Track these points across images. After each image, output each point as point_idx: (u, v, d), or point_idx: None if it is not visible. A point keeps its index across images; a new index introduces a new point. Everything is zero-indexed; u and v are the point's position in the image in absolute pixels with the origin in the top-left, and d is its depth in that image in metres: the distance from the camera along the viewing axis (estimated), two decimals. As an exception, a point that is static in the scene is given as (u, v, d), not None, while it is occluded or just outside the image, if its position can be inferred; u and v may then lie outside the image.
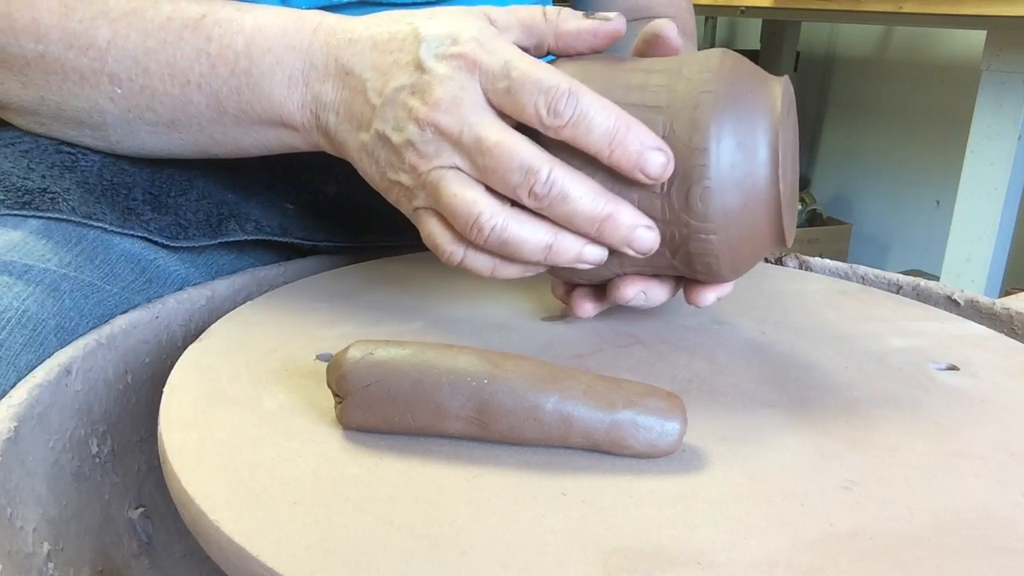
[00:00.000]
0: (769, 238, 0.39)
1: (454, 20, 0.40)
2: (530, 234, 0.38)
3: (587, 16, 0.41)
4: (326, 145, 0.45)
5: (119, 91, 0.45)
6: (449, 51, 0.39)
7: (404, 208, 0.42)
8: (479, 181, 0.39)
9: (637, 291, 0.42)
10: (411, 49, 0.40)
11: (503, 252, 0.39)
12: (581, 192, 0.37)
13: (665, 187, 0.38)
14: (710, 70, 0.38)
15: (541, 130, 0.38)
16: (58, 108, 0.47)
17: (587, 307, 0.45)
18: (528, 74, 0.37)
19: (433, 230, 0.41)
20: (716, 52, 0.40)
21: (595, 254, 0.39)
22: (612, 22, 0.41)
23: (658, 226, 0.39)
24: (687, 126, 0.37)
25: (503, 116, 0.39)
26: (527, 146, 0.37)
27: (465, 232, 0.39)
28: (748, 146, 0.37)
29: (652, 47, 0.42)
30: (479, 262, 0.41)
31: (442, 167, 0.39)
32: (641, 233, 0.38)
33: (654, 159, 0.36)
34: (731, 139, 0.37)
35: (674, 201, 0.38)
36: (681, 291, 0.43)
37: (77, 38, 0.44)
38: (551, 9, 0.42)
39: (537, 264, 0.40)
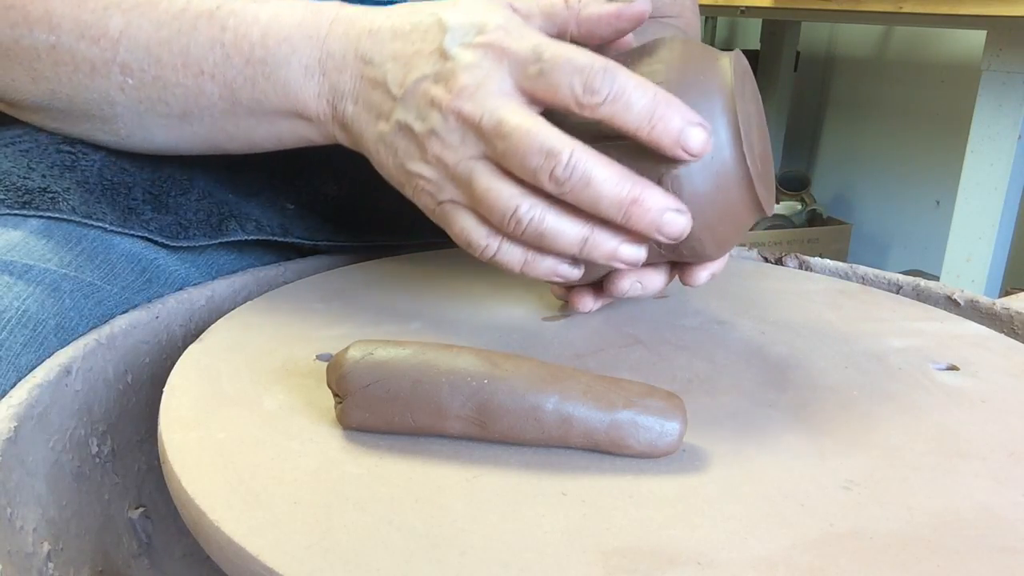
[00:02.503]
0: (747, 211, 0.40)
1: (479, 9, 0.39)
2: (568, 226, 0.38)
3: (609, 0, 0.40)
4: (342, 136, 0.44)
5: (130, 81, 0.45)
6: (475, 40, 0.38)
7: (424, 203, 0.41)
8: (510, 174, 0.38)
9: (632, 282, 0.43)
10: (435, 39, 0.39)
11: (539, 244, 0.39)
12: (605, 175, 0.36)
13: None
14: (661, 60, 0.39)
15: (577, 110, 0.36)
16: (69, 101, 0.47)
17: (587, 300, 0.45)
18: (561, 54, 0.37)
19: (465, 224, 0.40)
20: (663, 40, 0.40)
21: (631, 253, 0.38)
22: (635, 5, 0.40)
23: None
24: None
25: (533, 103, 0.38)
26: (548, 129, 0.36)
27: (502, 225, 0.38)
28: (710, 128, 0.37)
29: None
30: (513, 255, 0.40)
31: (471, 159, 0.38)
32: (671, 217, 0.36)
33: (696, 135, 0.36)
34: None
35: None
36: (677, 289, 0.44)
37: (89, 28, 0.44)
38: None
39: (572, 258, 0.40)
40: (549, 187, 0.36)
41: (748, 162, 0.38)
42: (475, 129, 0.38)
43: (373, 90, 0.41)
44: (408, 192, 0.42)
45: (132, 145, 0.49)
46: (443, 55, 0.38)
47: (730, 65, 0.39)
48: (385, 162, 0.42)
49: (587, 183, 0.36)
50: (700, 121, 0.36)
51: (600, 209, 0.37)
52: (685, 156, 0.36)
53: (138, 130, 0.47)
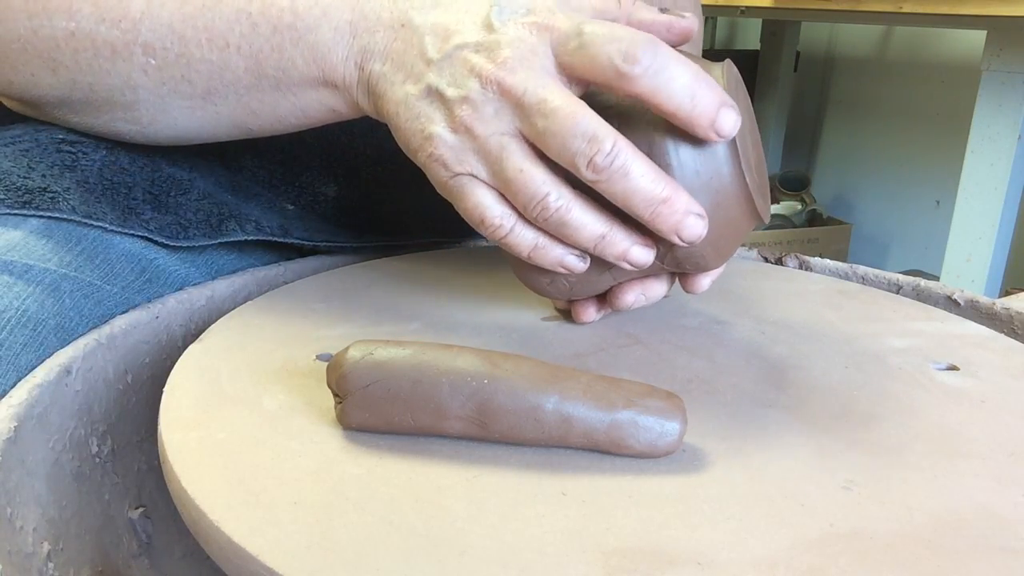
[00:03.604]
0: (746, 222, 0.40)
1: None
2: (590, 220, 0.38)
3: (662, 10, 0.40)
4: (365, 102, 0.43)
5: (153, 62, 0.44)
6: (524, 19, 0.38)
7: (435, 173, 0.40)
8: (540, 155, 0.37)
9: (636, 295, 0.43)
10: (480, 11, 0.39)
11: (558, 233, 0.38)
12: (643, 170, 0.36)
13: None
14: None
15: (616, 82, 0.36)
16: (89, 89, 0.46)
17: (590, 311, 0.45)
18: (602, 28, 0.36)
19: (481, 200, 0.39)
20: None
21: (641, 255, 0.38)
22: (686, 20, 0.40)
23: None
24: (645, 144, 0.37)
25: (572, 82, 0.38)
26: (592, 114, 0.36)
27: (526, 209, 0.38)
28: (707, 146, 0.37)
29: None
30: (525, 239, 0.39)
31: (503, 134, 0.37)
32: (692, 221, 0.36)
33: (730, 116, 0.35)
34: (688, 145, 0.37)
35: None
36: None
37: (110, 11, 0.44)
38: None
39: (583, 252, 0.39)
40: (586, 174, 0.36)
41: (746, 177, 0.38)
42: (515, 103, 0.37)
43: (406, 52, 0.40)
44: (420, 159, 0.40)
45: (154, 133, 0.48)
46: (488, 27, 0.38)
47: (723, 76, 0.38)
48: (403, 125, 0.40)
49: (625, 175, 0.36)
50: (731, 102, 0.36)
51: (631, 203, 0.36)
52: (716, 138, 0.36)
53: (160, 115, 0.47)
